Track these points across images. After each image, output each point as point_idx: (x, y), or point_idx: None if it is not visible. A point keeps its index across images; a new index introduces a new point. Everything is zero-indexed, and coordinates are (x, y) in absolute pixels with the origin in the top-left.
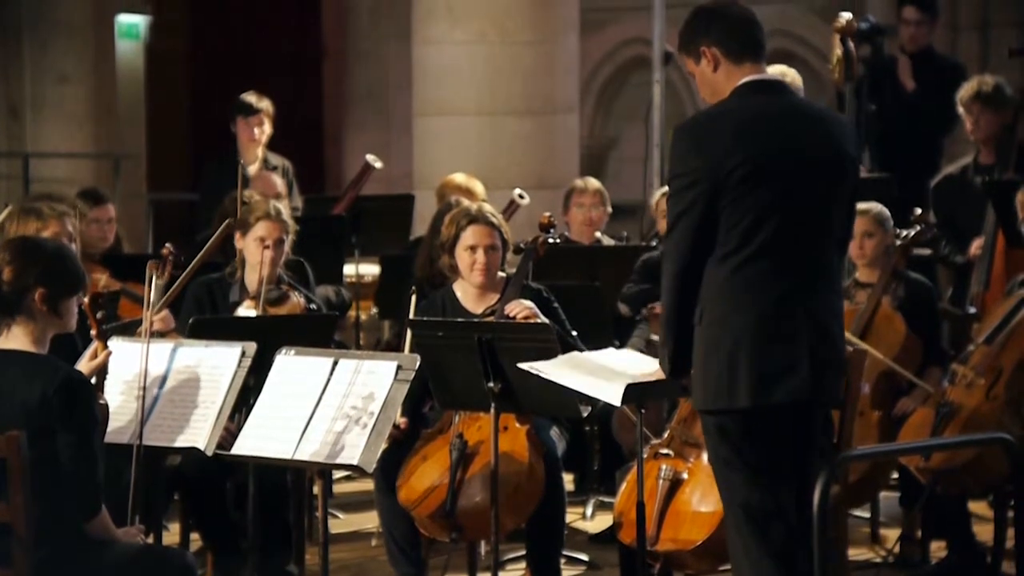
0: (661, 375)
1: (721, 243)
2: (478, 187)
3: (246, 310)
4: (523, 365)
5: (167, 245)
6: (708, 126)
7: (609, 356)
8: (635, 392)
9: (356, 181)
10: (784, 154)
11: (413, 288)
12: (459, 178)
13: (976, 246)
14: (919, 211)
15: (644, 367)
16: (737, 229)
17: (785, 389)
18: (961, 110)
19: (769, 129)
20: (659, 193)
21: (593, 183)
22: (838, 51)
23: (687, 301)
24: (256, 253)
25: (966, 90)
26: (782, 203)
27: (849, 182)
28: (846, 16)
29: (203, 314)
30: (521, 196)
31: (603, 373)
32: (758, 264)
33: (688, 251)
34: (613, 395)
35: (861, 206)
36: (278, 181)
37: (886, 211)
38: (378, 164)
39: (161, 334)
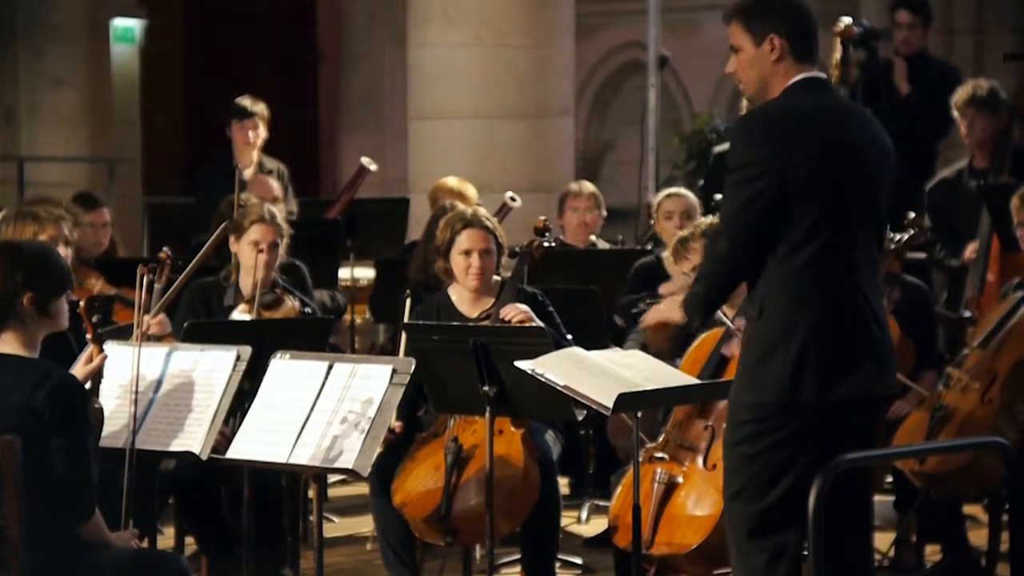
0: (663, 377)
1: (782, 239)
2: (470, 190)
3: (241, 314)
4: (519, 363)
5: (164, 249)
6: (776, 119)
7: (612, 356)
8: (627, 401)
9: (351, 184)
10: (843, 151)
11: (408, 292)
12: (451, 182)
13: (971, 250)
14: (914, 215)
15: (648, 369)
16: (800, 226)
17: (850, 385)
18: (956, 114)
19: (828, 126)
20: (662, 195)
21: (588, 187)
22: (837, 55)
23: (735, 280)
24: (250, 257)
25: (961, 94)
26: (841, 200)
27: (893, 178)
28: (846, 20)
29: (198, 318)
30: (513, 199)
31: (601, 375)
32: (820, 261)
33: (751, 238)
34: (604, 403)
35: None
36: (274, 185)
37: None
38: (373, 167)
39: (158, 338)
